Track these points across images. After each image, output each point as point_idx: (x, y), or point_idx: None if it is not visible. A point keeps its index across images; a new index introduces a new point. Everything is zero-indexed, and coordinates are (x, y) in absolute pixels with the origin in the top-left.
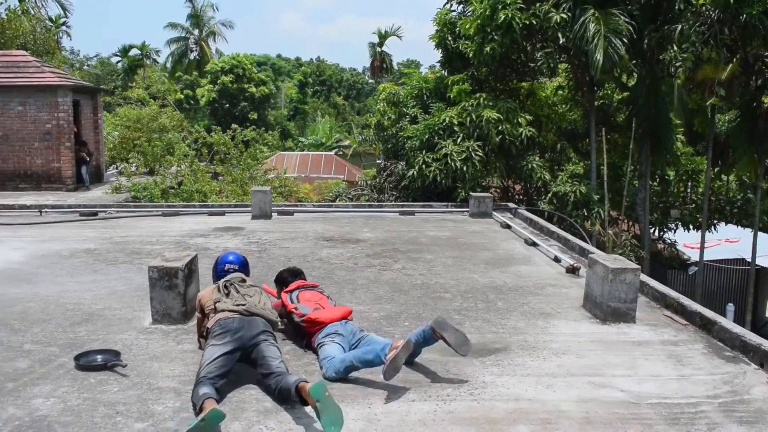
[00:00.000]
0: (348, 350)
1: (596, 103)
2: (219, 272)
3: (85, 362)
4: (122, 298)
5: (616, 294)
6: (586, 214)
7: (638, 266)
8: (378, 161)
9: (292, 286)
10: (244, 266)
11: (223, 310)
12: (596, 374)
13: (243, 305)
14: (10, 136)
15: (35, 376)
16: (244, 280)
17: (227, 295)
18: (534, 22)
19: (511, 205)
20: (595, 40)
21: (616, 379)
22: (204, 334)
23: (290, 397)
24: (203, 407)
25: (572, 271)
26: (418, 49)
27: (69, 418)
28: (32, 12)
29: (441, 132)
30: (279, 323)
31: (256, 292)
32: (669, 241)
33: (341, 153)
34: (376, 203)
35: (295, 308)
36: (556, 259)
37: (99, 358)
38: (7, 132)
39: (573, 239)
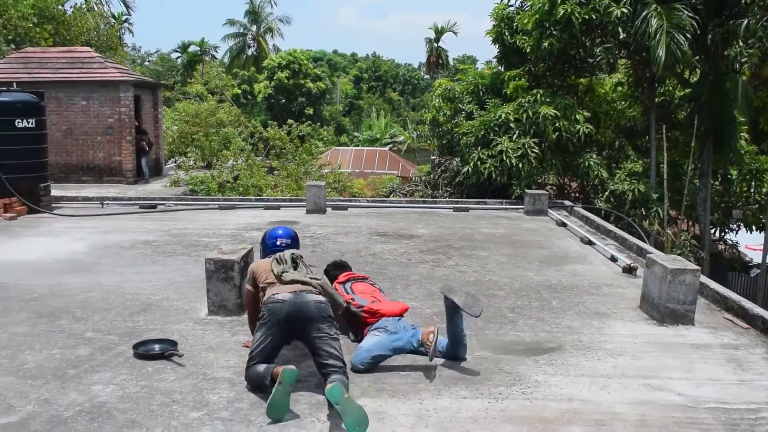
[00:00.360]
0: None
1: (657, 99)
2: (270, 247)
3: (143, 351)
4: (179, 289)
5: (675, 295)
6: (644, 213)
7: (698, 267)
8: (432, 157)
9: (341, 277)
10: (295, 241)
11: (293, 281)
12: (652, 376)
13: (317, 279)
14: (74, 129)
15: (95, 363)
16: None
17: (295, 267)
18: (593, 17)
19: (567, 202)
20: (657, 35)
21: (673, 382)
22: (259, 308)
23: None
24: (274, 375)
25: (629, 270)
26: (474, 45)
27: (127, 405)
28: (96, 9)
29: (497, 128)
30: (343, 306)
31: (318, 270)
32: (730, 243)
33: (395, 149)
34: (430, 199)
35: (352, 299)
36: (613, 259)
37: (156, 347)
38: (71, 126)
39: (630, 238)
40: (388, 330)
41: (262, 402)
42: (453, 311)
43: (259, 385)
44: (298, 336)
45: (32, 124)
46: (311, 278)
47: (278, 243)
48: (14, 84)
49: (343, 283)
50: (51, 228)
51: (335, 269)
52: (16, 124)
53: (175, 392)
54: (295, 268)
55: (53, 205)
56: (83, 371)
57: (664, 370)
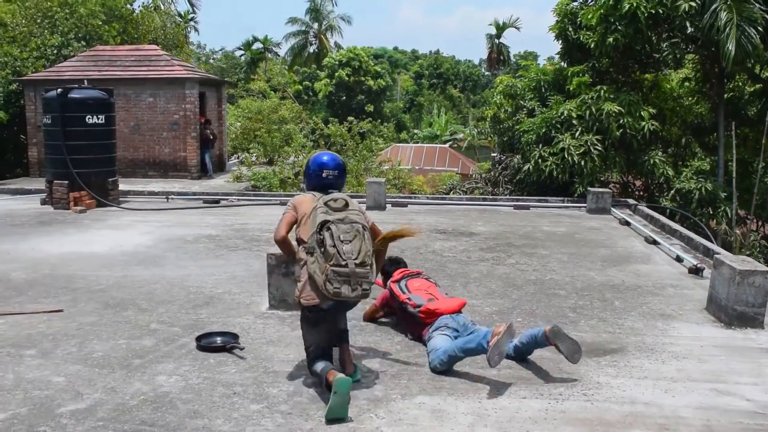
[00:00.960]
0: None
1: (726, 95)
2: (313, 178)
3: (206, 343)
4: (241, 284)
5: (743, 297)
6: (711, 212)
7: None
8: (493, 154)
9: (396, 275)
10: (343, 172)
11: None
12: (719, 381)
13: (345, 268)
14: (141, 126)
15: (159, 354)
16: (346, 204)
17: (322, 243)
18: (660, 11)
19: (631, 201)
20: (727, 29)
21: (741, 387)
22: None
23: (323, 378)
24: (328, 381)
25: (695, 271)
26: (536, 41)
27: (189, 395)
28: (163, 8)
29: (559, 125)
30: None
31: (357, 226)
32: None
33: (455, 145)
34: (491, 197)
35: (408, 299)
36: (678, 259)
37: (218, 339)
38: (138, 122)
39: (697, 238)
40: (449, 328)
41: (322, 396)
42: (543, 345)
43: (317, 376)
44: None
45: (102, 120)
46: (340, 265)
47: (324, 175)
48: (85, 81)
49: (398, 281)
50: (118, 221)
51: (390, 265)
52: (87, 120)
53: (236, 384)
54: (322, 243)
55: (121, 199)
56: (148, 361)
57: (731, 375)
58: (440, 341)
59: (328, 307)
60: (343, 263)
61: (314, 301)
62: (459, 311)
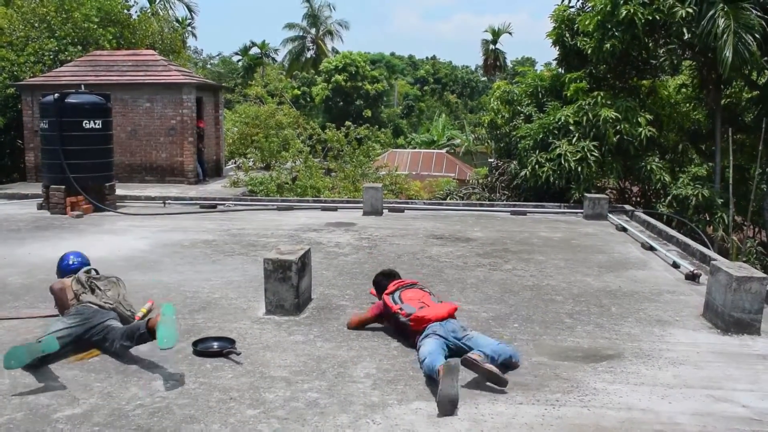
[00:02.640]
0: (448, 349)
1: (723, 102)
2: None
3: (202, 348)
4: (238, 289)
5: (740, 304)
6: (708, 218)
7: (765, 275)
8: (490, 160)
9: (390, 287)
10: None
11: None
12: (716, 387)
13: (109, 302)
14: (138, 131)
15: (156, 360)
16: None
17: (92, 291)
18: (657, 18)
19: (628, 207)
20: (724, 35)
21: (738, 393)
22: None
23: (138, 332)
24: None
25: (692, 277)
26: (533, 47)
27: (186, 400)
28: (161, 13)
29: (556, 131)
30: (133, 319)
31: (112, 284)
32: None
33: (453, 151)
34: (488, 202)
35: (400, 309)
36: (675, 265)
37: (215, 345)
38: (135, 127)
39: (693, 245)
40: (436, 335)
41: (319, 401)
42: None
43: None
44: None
45: (99, 125)
46: (105, 302)
47: (71, 262)
48: (82, 86)
49: (392, 293)
50: (115, 226)
51: (385, 278)
52: (84, 125)
53: (233, 390)
54: (92, 291)
55: (117, 203)
56: (144, 366)
57: (728, 381)
58: (427, 350)
59: None
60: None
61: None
62: (448, 317)
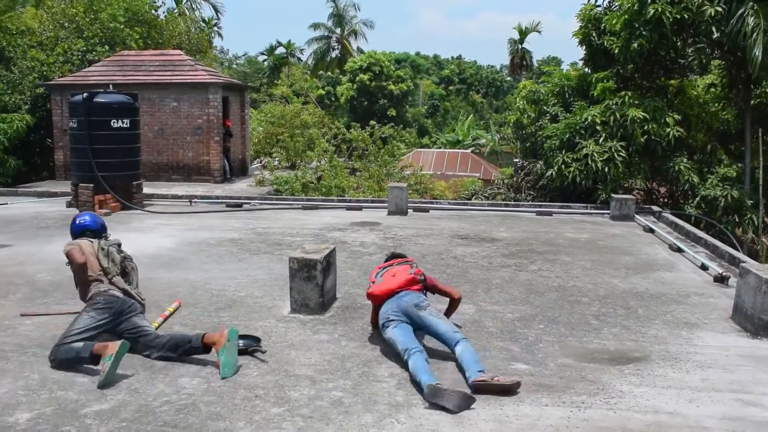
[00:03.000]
0: (412, 322)
1: (752, 101)
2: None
3: None
4: (263, 287)
5: None
6: (737, 220)
7: None
8: (515, 160)
9: (386, 263)
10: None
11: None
12: (744, 391)
13: (140, 295)
14: (165, 130)
15: (183, 358)
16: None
17: (125, 274)
18: (685, 16)
19: (655, 208)
20: (754, 34)
21: (767, 397)
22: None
23: (187, 345)
24: (95, 351)
25: (721, 280)
26: (559, 46)
27: (212, 398)
28: (188, 14)
29: (582, 131)
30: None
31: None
32: None
33: (478, 151)
34: (513, 203)
35: (373, 282)
36: (703, 267)
37: (241, 343)
38: (162, 126)
39: (722, 246)
40: (394, 320)
41: (343, 400)
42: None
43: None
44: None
45: (127, 124)
46: (137, 293)
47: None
48: (110, 86)
49: (382, 267)
50: (142, 224)
51: (387, 260)
52: (112, 124)
53: (258, 387)
54: (125, 275)
55: (144, 202)
56: (171, 364)
57: (757, 385)
58: (399, 343)
59: None
60: None
61: None
62: (400, 289)
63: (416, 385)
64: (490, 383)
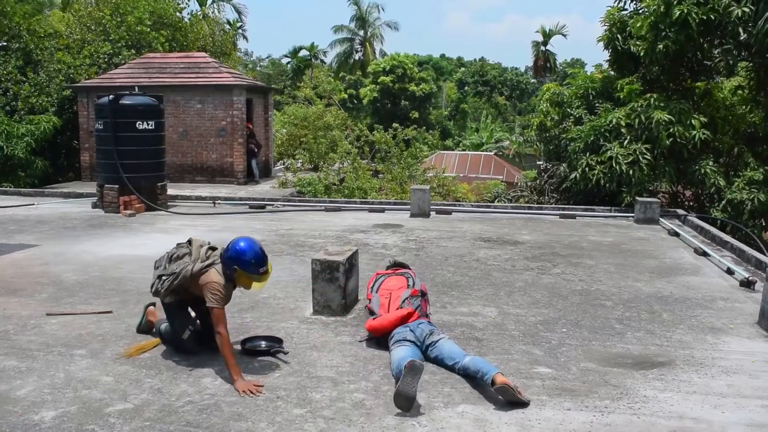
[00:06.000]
0: (421, 352)
1: None
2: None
3: (251, 347)
4: (286, 288)
5: None
6: (764, 224)
7: None
8: (539, 162)
9: (386, 271)
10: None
11: None
12: None
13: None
14: (190, 131)
15: (205, 357)
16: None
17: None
18: (712, 17)
19: (680, 211)
20: None
21: None
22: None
23: None
24: None
25: (747, 284)
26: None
27: (234, 398)
28: (212, 16)
29: (607, 134)
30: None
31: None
32: None
33: (501, 153)
34: (536, 205)
35: (369, 300)
36: (729, 271)
37: (263, 344)
38: (186, 128)
39: (749, 251)
40: (407, 340)
41: (365, 402)
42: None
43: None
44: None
45: (152, 126)
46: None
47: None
48: (136, 88)
49: (374, 281)
50: (166, 225)
51: (389, 266)
52: (137, 126)
53: (280, 389)
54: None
55: (169, 203)
56: (193, 364)
57: None
58: (403, 352)
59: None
60: None
61: None
62: (398, 324)
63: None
64: (513, 390)
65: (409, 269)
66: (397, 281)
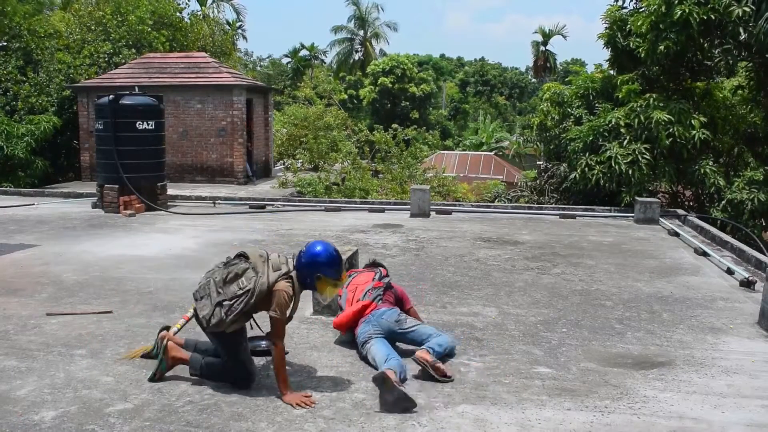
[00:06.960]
0: (389, 344)
1: None
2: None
3: (250, 347)
4: None
5: None
6: (764, 224)
7: None
8: (539, 162)
9: (358, 269)
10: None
11: None
12: None
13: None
14: (190, 131)
15: None
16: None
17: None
18: (713, 17)
19: (680, 211)
20: None
21: None
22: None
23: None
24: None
25: (747, 284)
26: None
27: (234, 398)
28: (212, 16)
29: (606, 133)
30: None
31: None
32: None
33: (501, 153)
34: (536, 205)
35: (339, 296)
36: (729, 271)
37: (263, 343)
38: (186, 128)
39: (749, 251)
40: (372, 337)
41: (365, 402)
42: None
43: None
44: None
45: (152, 126)
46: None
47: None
48: (136, 88)
49: (350, 274)
50: (166, 225)
51: (367, 265)
52: (137, 126)
53: None
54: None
55: (169, 203)
56: None
57: None
58: (376, 352)
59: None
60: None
61: None
62: (355, 318)
63: (371, 362)
64: (430, 364)
65: (382, 267)
66: (365, 276)
